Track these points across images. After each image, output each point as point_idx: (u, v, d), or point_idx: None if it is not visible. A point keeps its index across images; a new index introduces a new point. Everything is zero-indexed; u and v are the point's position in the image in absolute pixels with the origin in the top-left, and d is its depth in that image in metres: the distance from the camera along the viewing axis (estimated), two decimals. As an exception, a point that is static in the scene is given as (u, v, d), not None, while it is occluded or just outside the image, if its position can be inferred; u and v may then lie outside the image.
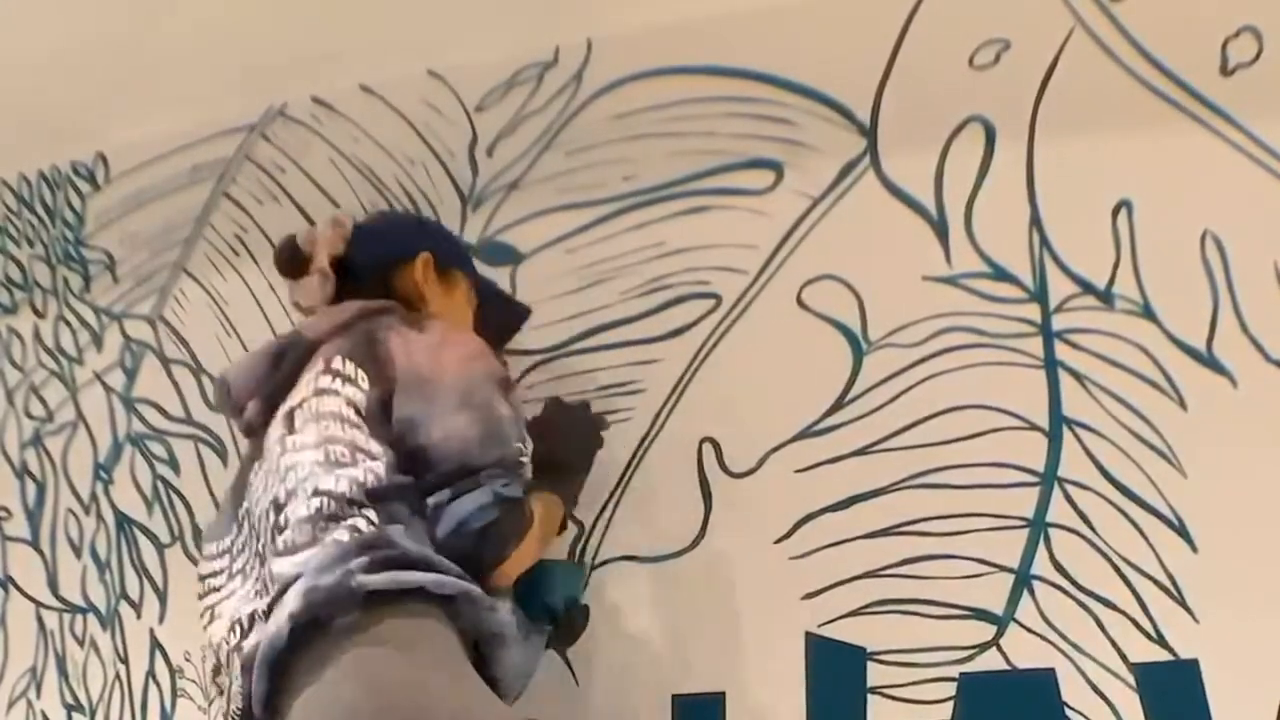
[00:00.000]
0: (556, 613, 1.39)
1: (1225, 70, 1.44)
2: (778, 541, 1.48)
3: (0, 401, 2.07)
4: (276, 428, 1.26)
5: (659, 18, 1.71)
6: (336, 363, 1.26)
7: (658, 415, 1.58)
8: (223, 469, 1.84)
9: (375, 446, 1.19)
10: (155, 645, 1.81)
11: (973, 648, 1.37)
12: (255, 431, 1.32)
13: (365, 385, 1.23)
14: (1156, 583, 1.32)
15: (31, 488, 1.99)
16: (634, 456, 1.58)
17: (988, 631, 1.37)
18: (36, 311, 2.10)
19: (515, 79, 1.81)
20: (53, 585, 1.92)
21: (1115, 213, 1.45)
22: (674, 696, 1.46)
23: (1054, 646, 1.34)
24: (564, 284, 1.68)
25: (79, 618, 1.88)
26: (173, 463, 1.89)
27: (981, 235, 1.50)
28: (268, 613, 1.11)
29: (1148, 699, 1.29)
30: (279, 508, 1.18)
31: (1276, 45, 1.42)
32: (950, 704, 1.35)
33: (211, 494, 1.84)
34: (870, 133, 1.58)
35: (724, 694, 1.44)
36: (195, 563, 1.81)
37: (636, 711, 1.47)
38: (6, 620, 1.94)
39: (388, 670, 1.03)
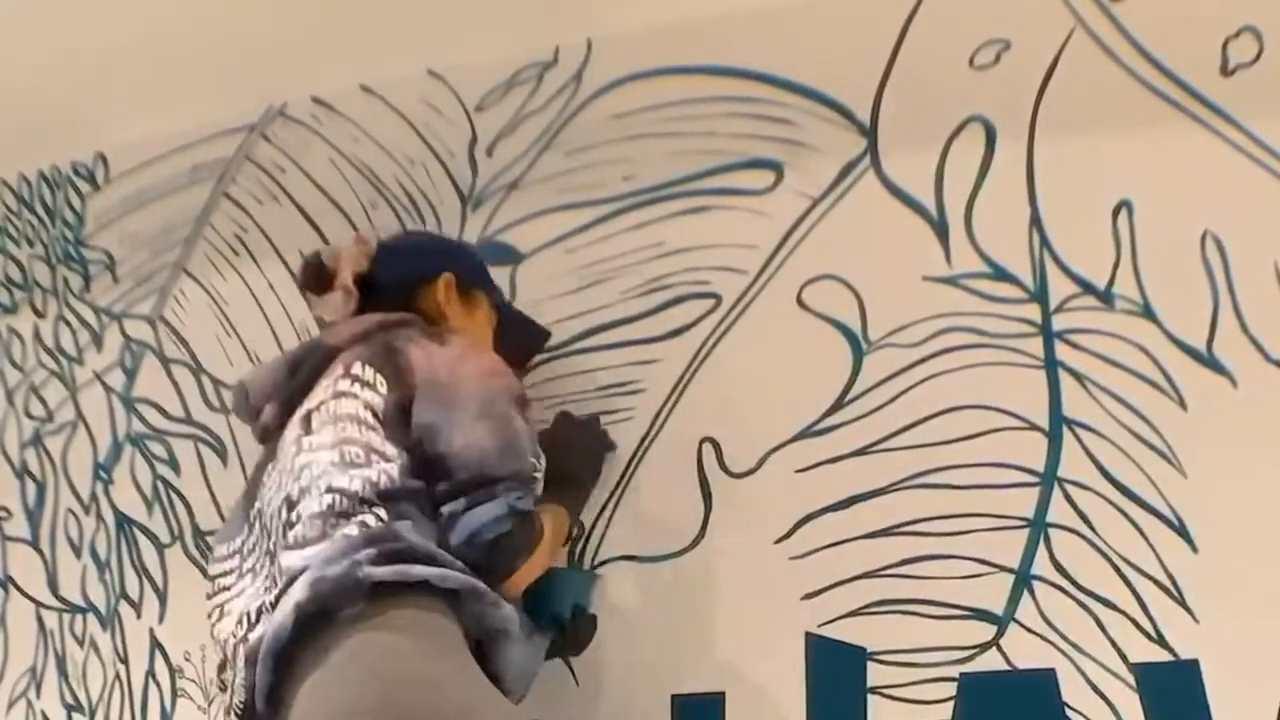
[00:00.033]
0: (563, 620, 1.39)
1: (1225, 70, 1.44)
2: (778, 541, 1.48)
3: (0, 401, 2.07)
4: (293, 429, 1.28)
5: (659, 18, 1.71)
6: (356, 368, 1.28)
7: (658, 415, 1.58)
8: (223, 469, 1.84)
9: (390, 449, 1.21)
10: (155, 645, 1.81)
11: (973, 648, 1.36)
12: (271, 435, 1.34)
13: (384, 390, 1.25)
14: (1156, 583, 1.32)
15: (31, 488, 1.99)
16: (634, 456, 1.58)
17: (988, 631, 1.37)
18: (36, 311, 2.10)
19: (515, 79, 1.81)
20: (53, 585, 1.92)
21: (1115, 213, 1.45)
22: (674, 696, 1.46)
23: (1054, 646, 1.34)
24: (564, 284, 1.68)
25: (79, 618, 1.88)
26: (173, 463, 1.89)
27: (981, 235, 1.50)
28: (274, 605, 1.12)
29: (1148, 699, 1.29)
30: (291, 505, 1.19)
31: (1276, 45, 1.43)
32: (950, 704, 1.35)
33: (212, 494, 1.84)
34: (870, 133, 1.58)
35: (724, 694, 1.44)
36: (195, 563, 1.82)
37: (636, 711, 1.47)
38: (6, 620, 1.94)
39: (393, 660, 1.04)
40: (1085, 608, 1.34)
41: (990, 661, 1.35)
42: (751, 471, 1.52)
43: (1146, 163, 1.44)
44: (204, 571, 1.75)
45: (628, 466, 1.58)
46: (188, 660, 1.77)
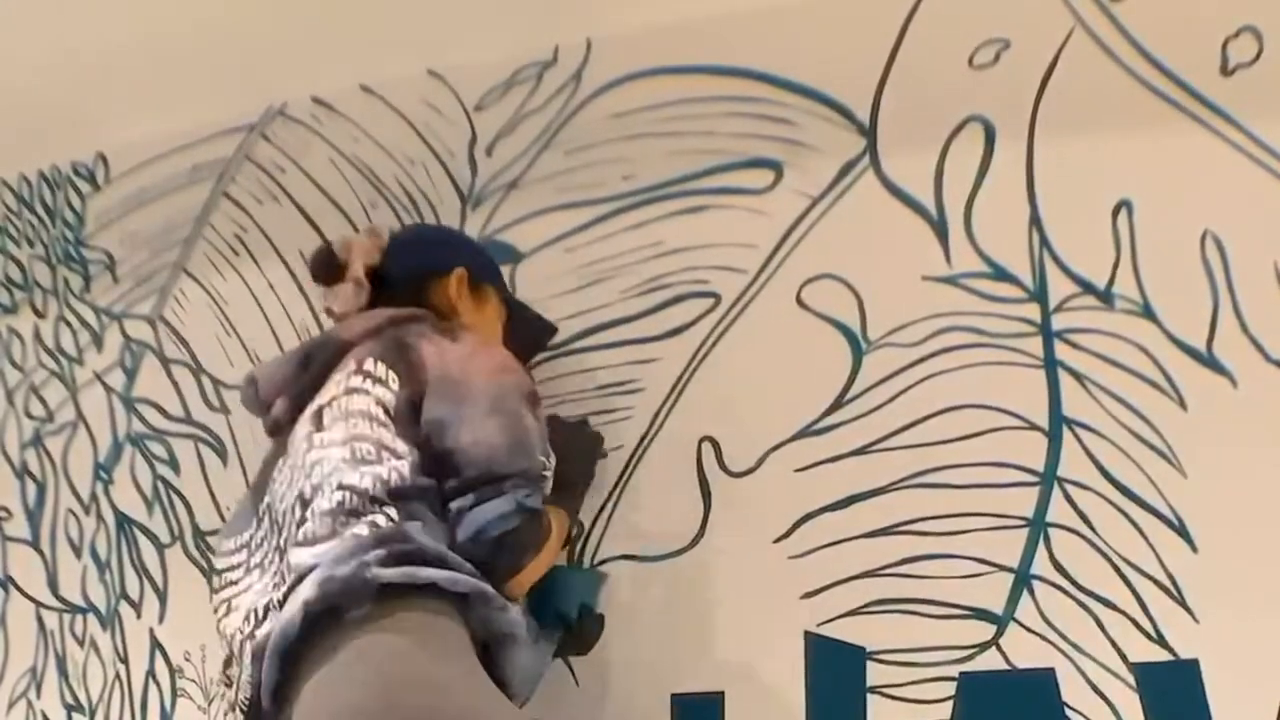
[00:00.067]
0: (569, 619, 1.39)
1: (1225, 70, 1.44)
2: (777, 541, 1.48)
3: (0, 401, 2.07)
4: (304, 425, 1.28)
5: (659, 18, 1.71)
6: (368, 364, 1.27)
7: (657, 414, 1.58)
8: (223, 469, 1.84)
9: (401, 446, 1.21)
10: (155, 645, 1.81)
11: (972, 647, 1.36)
12: (281, 430, 1.34)
13: (395, 386, 1.25)
14: (1156, 583, 1.32)
15: (31, 488, 1.99)
16: (633, 456, 1.58)
17: (987, 631, 1.36)
18: (36, 311, 2.10)
19: (515, 78, 1.81)
20: (53, 585, 1.92)
21: (1115, 213, 1.45)
22: (674, 696, 1.46)
23: (1054, 646, 1.34)
24: (563, 283, 1.68)
25: (79, 618, 1.88)
26: (173, 463, 1.89)
27: (981, 235, 1.50)
28: (282, 602, 1.11)
29: (1148, 699, 1.29)
30: (304, 502, 1.19)
31: (1276, 45, 1.42)
32: (950, 704, 1.35)
33: (211, 494, 1.84)
34: (870, 132, 1.58)
35: (724, 694, 1.44)
36: (195, 563, 1.82)
37: (636, 711, 1.47)
38: (6, 620, 1.94)
39: (397, 662, 1.04)
40: (1085, 607, 1.34)
41: (990, 661, 1.35)
42: (751, 471, 1.52)
43: (1146, 163, 1.44)
44: (204, 571, 1.76)
45: (627, 466, 1.58)
46: (188, 660, 1.77)
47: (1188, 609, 1.30)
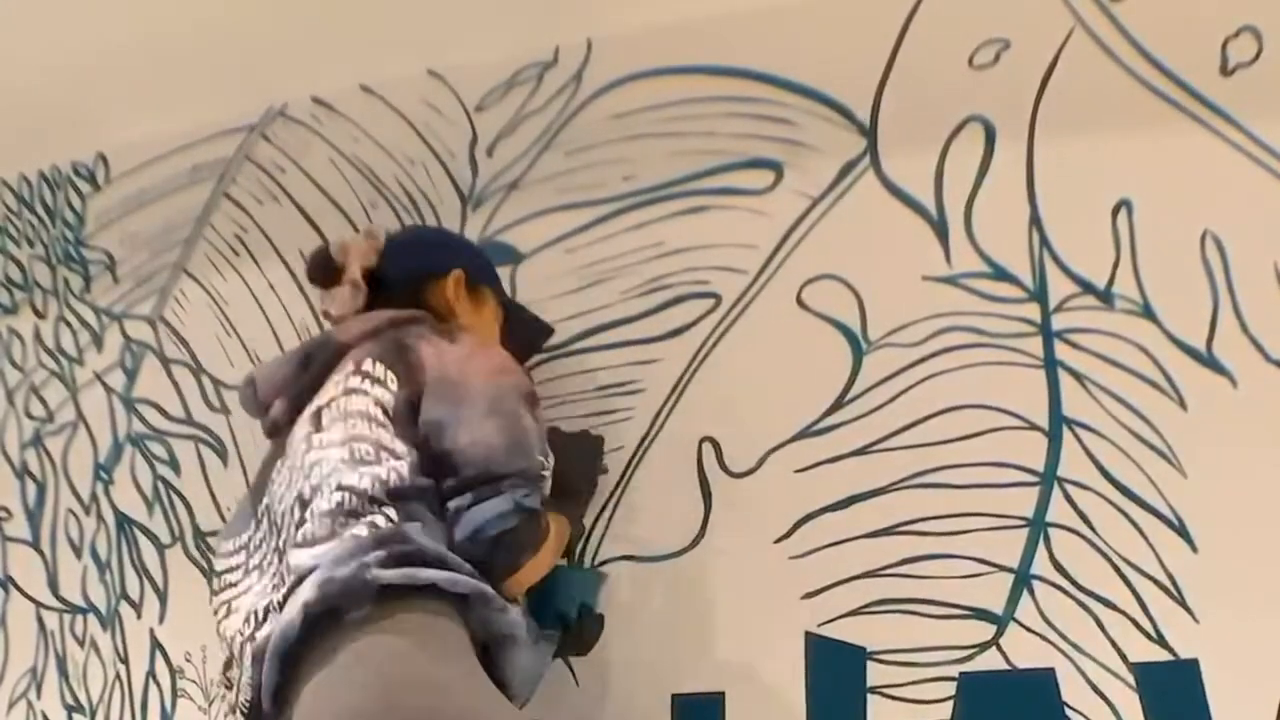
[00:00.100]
0: (569, 619, 1.39)
1: (1225, 70, 1.44)
2: (777, 541, 1.48)
3: (0, 401, 2.07)
4: (303, 426, 1.28)
5: (659, 18, 1.71)
6: (367, 365, 1.28)
7: (657, 415, 1.58)
8: (223, 469, 1.84)
9: (400, 446, 1.21)
10: (155, 645, 1.81)
11: (973, 647, 1.36)
12: (280, 431, 1.34)
13: (394, 387, 1.25)
14: (1156, 583, 1.32)
15: (31, 488, 1.99)
16: (634, 456, 1.58)
17: (988, 631, 1.36)
18: (37, 312, 2.10)
19: (515, 79, 1.81)
20: (53, 585, 1.92)
21: (1115, 213, 1.45)
22: (674, 696, 1.46)
23: (1054, 646, 1.34)
24: (564, 284, 1.68)
25: (79, 618, 1.88)
26: (173, 463, 1.89)
27: (981, 235, 1.50)
28: (282, 604, 1.11)
29: (1148, 699, 1.29)
30: (303, 503, 1.19)
31: (1276, 45, 1.43)
32: (950, 704, 1.35)
33: (212, 494, 1.84)
34: (870, 132, 1.58)
35: (724, 694, 1.44)
36: (195, 563, 1.81)
37: (636, 711, 1.47)
38: (6, 620, 1.94)
39: (397, 663, 1.04)
40: (1085, 607, 1.34)
41: (990, 661, 1.35)
42: (751, 471, 1.52)
43: (1146, 163, 1.44)
44: (205, 571, 1.76)
45: (627, 466, 1.58)
46: (188, 660, 1.77)
47: (1188, 609, 1.30)
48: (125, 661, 1.82)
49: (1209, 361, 1.37)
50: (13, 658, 1.92)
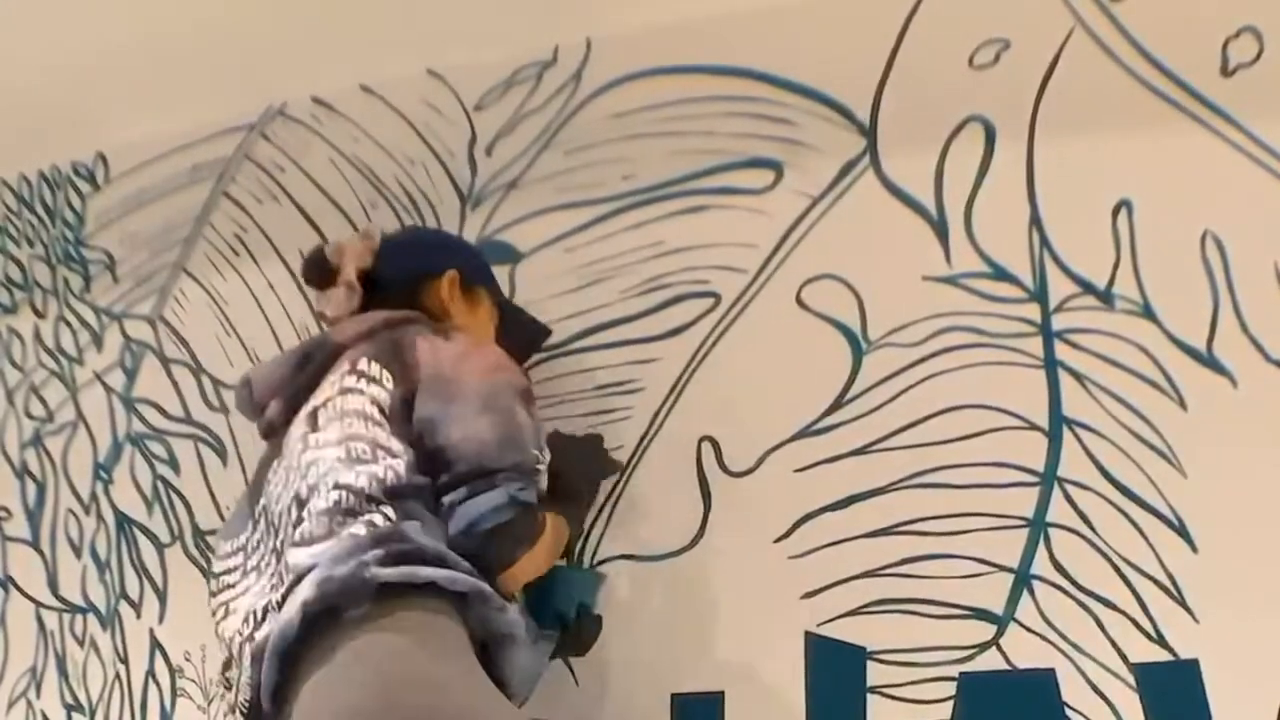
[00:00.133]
0: (567, 619, 1.39)
1: (1225, 70, 1.44)
2: (777, 541, 1.48)
3: (0, 401, 2.07)
4: (299, 426, 1.28)
5: (659, 18, 1.71)
6: (362, 364, 1.28)
7: (657, 414, 1.58)
8: (223, 469, 1.84)
9: (396, 445, 1.21)
10: (155, 645, 1.81)
11: (973, 647, 1.36)
12: (276, 431, 1.34)
13: (390, 385, 1.25)
14: (1156, 583, 1.32)
15: (31, 488, 1.99)
16: (633, 456, 1.58)
17: (988, 631, 1.36)
18: (36, 311, 2.10)
19: (514, 78, 1.81)
20: (53, 585, 1.92)
21: (1115, 213, 1.45)
22: (674, 696, 1.46)
23: (1054, 646, 1.34)
24: (563, 283, 1.68)
25: (79, 618, 1.88)
26: (173, 463, 1.89)
27: (981, 235, 1.50)
28: (281, 603, 1.11)
29: (1148, 699, 1.29)
30: (301, 503, 1.19)
31: (1276, 45, 1.42)
32: (950, 704, 1.35)
33: (211, 494, 1.84)
34: (870, 132, 1.58)
35: (724, 693, 1.44)
36: (195, 563, 1.81)
37: (636, 711, 1.47)
38: (6, 620, 1.94)
39: (396, 661, 1.04)
40: (1085, 608, 1.34)
41: (990, 661, 1.35)
42: (750, 471, 1.52)
43: (1146, 163, 1.44)
44: (204, 571, 1.76)
45: (627, 466, 1.57)
46: (188, 660, 1.77)
47: (1188, 609, 1.30)
48: (125, 661, 1.82)
49: (1209, 361, 1.37)
50: (12, 657, 1.92)
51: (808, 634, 1.43)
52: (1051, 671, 1.33)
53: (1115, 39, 1.50)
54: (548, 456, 1.28)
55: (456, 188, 1.80)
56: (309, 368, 1.34)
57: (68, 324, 2.06)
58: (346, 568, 1.08)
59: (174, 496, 1.87)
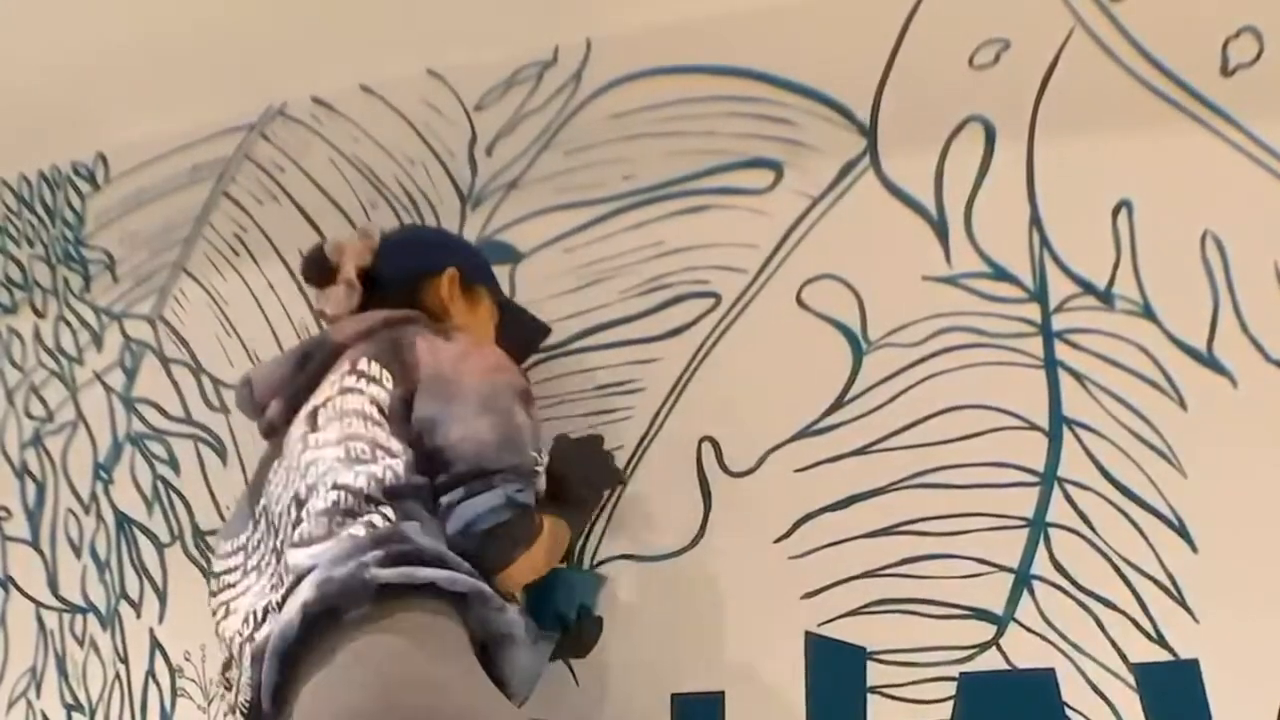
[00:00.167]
0: (568, 621, 1.39)
1: (1225, 70, 1.44)
2: (777, 541, 1.48)
3: (0, 401, 2.07)
4: (299, 426, 1.28)
5: (659, 18, 1.71)
6: (362, 364, 1.28)
7: (657, 414, 1.58)
8: (223, 469, 1.84)
9: (396, 445, 1.21)
10: (155, 645, 1.81)
11: (973, 647, 1.36)
12: (276, 431, 1.35)
13: (390, 385, 1.25)
14: (1156, 583, 1.32)
15: (31, 488, 1.99)
16: (633, 456, 1.58)
17: (988, 631, 1.36)
18: (36, 311, 2.10)
19: (515, 78, 1.81)
20: (53, 585, 1.92)
21: (1115, 213, 1.45)
22: (674, 696, 1.46)
23: (1054, 646, 1.34)
24: (563, 283, 1.68)
25: (79, 618, 1.88)
26: (173, 463, 1.89)
27: (981, 235, 1.50)
28: (281, 604, 1.11)
29: (1148, 699, 1.29)
30: (300, 503, 1.19)
31: (1276, 45, 1.43)
32: (950, 704, 1.35)
33: (211, 494, 1.84)
34: (870, 132, 1.58)
35: (724, 694, 1.44)
36: (195, 563, 1.81)
37: (636, 711, 1.47)
38: (6, 620, 1.94)
39: (396, 662, 1.04)
40: (1085, 608, 1.34)
41: (990, 661, 1.35)
42: (751, 471, 1.52)
43: (1146, 163, 1.44)
44: (204, 571, 1.76)
45: (627, 466, 1.57)
46: (188, 660, 1.77)
47: (1188, 609, 1.30)
48: (125, 661, 1.82)
49: (1209, 361, 1.37)
50: (12, 657, 1.92)
51: (808, 634, 1.43)
52: (1051, 671, 1.33)
53: (1115, 39, 1.50)
54: (546, 458, 1.28)
55: (456, 188, 1.80)
56: (309, 367, 1.34)
57: (68, 324, 2.06)
58: (346, 569, 1.08)
59: (174, 496, 1.87)
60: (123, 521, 1.89)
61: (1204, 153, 1.42)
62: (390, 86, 1.89)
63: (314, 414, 1.27)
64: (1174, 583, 1.32)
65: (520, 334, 1.55)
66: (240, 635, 1.17)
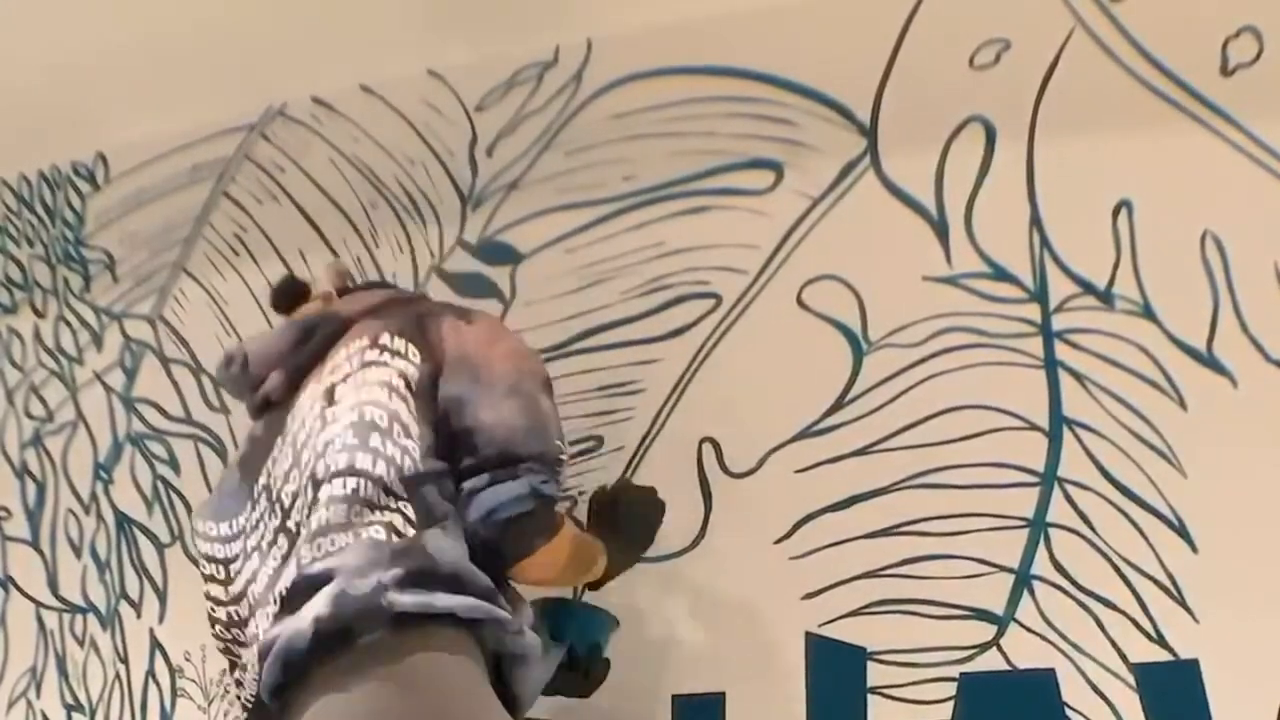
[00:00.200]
0: (577, 655, 1.37)
1: (1225, 70, 1.44)
2: (778, 541, 1.48)
3: (0, 401, 2.07)
4: (314, 402, 1.23)
5: (659, 18, 1.71)
6: (384, 338, 1.24)
7: (658, 415, 1.58)
8: (222, 468, 1.83)
9: (415, 426, 1.17)
10: (155, 645, 1.81)
11: (973, 648, 1.36)
12: (273, 405, 1.30)
13: (417, 360, 1.22)
14: (1156, 583, 1.32)
15: (31, 488, 1.99)
16: (634, 456, 1.58)
17: (988, 631, 1.36)
18: (36, 311, 2.10)
19: (515, 79, 1.81)
20: (53, 585, 1.92)
21: (1115, 213, 1.45)
22: (674, 696, 1.46)
23: (1054, 646, 1.34)
24: (564, 284, 1.68)
25: (79, 618, 1.88)
26: (173, 462, 1.89)
27: (981, 235, 1.50)
28: (289, 600, 1.08)
29: (1148, 699, 1.29)
30: (316, 484, 1.15)
31: (1276, 45, 1.43)
32: (950, 704, 1.35)
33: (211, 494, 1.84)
34: (870, 133, 1.58)
35: (724, 694, 1.44)
36: (195, 563, 1.81)
37: (636, 711, 1.47)
38: (6, 620, 1.94)
39: (409, 697, 1.02)
40: (1085, 608, 1.34)
41: (990, 661, 1.35)
42: (751, 471, 1.52)
43: (1146, 163, 1.45)
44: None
45: (628, 467, 1.58)
46: (188, 660, 1.77)
47: (1188, 609, 1.30)
48: (125, 661, 1.82)
49: (1209, 361, 1.37)
50: (12, 657, 1.92)
51: (808, 634, 1.43)
52: (1051, 671, 1.33)
53: (1115, 39, 1.50)
54: (569, 449, 1.26)
55: (457, 188, 1.80)
56: (313, 340, 1.30)
57: (68, 324, 2.06)
58: (364, 588, 1.04)
59: (174, 496, 1.87)
60: (123, 521, 1.89)
61: (1204, 153, 1.43)
62: (390, 86, 1.89)
63: (331, 390, 1.22)
64: (1174, 583, 1.32)
65: None
66: (239, 617, 1.16)
